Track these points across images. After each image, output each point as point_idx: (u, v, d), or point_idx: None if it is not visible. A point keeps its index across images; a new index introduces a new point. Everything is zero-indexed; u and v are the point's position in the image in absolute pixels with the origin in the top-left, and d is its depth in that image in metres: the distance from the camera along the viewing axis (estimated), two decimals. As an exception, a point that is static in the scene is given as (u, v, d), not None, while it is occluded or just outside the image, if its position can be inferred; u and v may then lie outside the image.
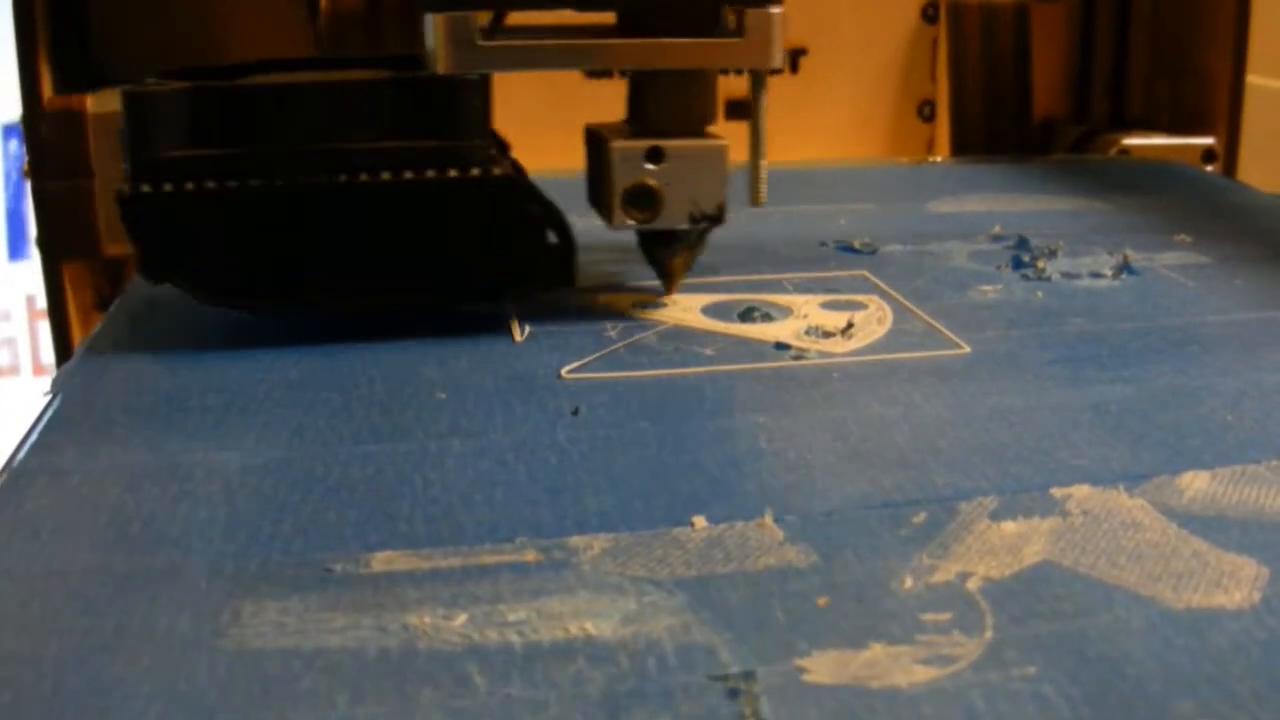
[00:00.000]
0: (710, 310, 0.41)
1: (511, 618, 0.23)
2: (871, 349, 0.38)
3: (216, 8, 0.79)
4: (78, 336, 0.76)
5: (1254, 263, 0.48)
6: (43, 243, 0.76)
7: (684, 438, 0.31)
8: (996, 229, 0.52)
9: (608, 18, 0.39)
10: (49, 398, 0.34)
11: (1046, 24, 0.84)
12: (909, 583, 0.24)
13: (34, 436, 0.31)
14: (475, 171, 0.38)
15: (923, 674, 0.21)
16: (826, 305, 0.42)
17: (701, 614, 0.23)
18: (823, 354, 0.37)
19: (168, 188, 0.36)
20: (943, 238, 0.51)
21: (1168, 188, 0.63)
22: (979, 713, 0.20)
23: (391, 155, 0.37)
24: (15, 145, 1.54)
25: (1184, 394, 0.34)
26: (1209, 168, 0.79)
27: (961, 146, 0.82)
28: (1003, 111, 0.83)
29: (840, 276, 0.45)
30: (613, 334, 0.39)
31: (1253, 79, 0.83)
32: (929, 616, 0.23)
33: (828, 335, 0.39)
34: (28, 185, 0.76)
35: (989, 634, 0.22)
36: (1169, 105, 0.84)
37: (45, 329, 0.89)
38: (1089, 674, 0.21)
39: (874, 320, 0.40)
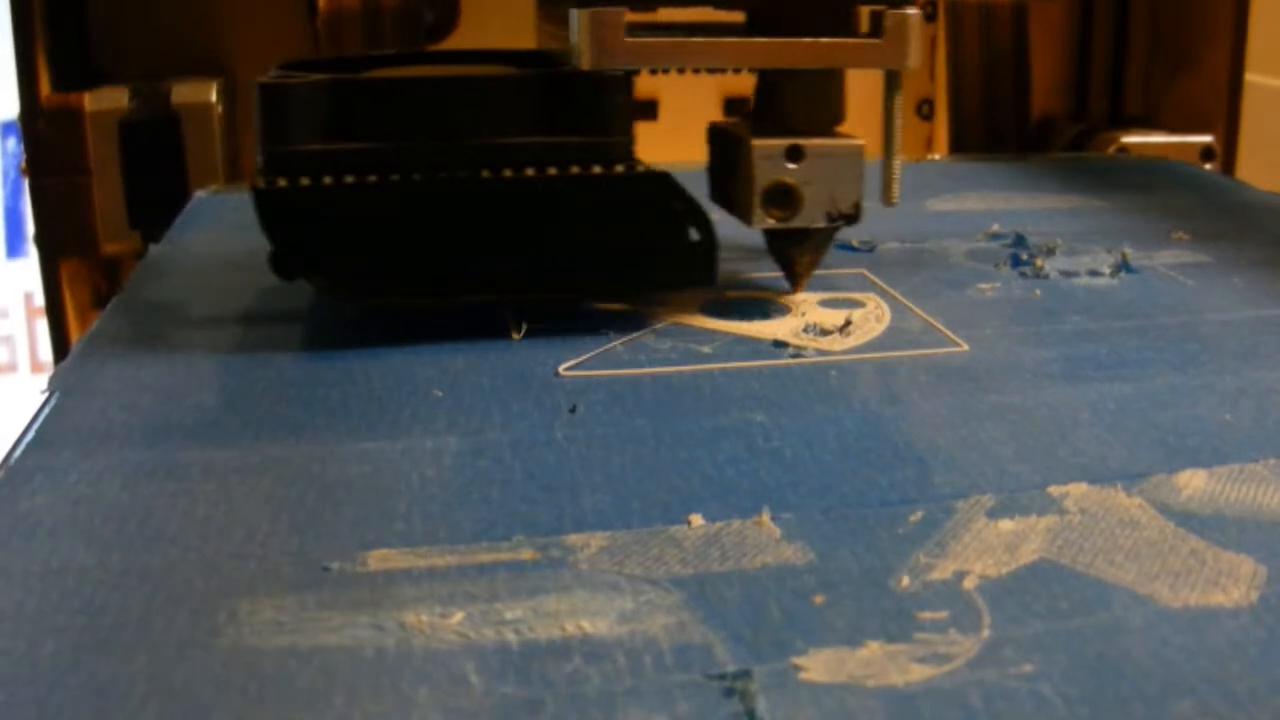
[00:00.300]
0: (708, 308, 0.41)
1: (508, 616, 0.23)
2: (869, 347, 0.38)
3: (214, 5, 0.79)
4: (75, 334, 0.76)
5: (1253, 261, 0.48)
6: (40, 240, 0.76)
7: (681, 435, 0.31)
8: (995, 227, 0.52)
9: (736, 16, 0.40)
10: (46, 395, 0.34)
11: (1045, 22, 0.84)
12: (906, 581, 0.24)
13: (30, 434, 0.31)
14: (620, 168, 0.37)
15: (919, 672, 0.21)
16: (824, 303, 0.42)
17: (698, 612, 0.23)
18: (820, 352, 0.37)
19: (304, 182, 0.36)
20: (941, 236, 0.51)
21: (1166, 186, 0.63)
22: (976, 711, 0.20)
23: (535, 151, 0.37)
24: (13, 143, 1.54)
25: (1182, 392, 0.34)
26: (1207, 166, 0.79)
27: (960, 145, 0.82)
28: (1001, 110, 0.83)
29: (838, 274, 0.45)
30: (610, 331, 0.39)
31: (1251, 77, 0.83)
32: (926, 615, 0.23)
33: (825, 333, 0.39)
34: (25, 183, 0.76)
35: (986, 632, 0.22)
36: (1167, 103, 0.84)
37: (43, 327, 0.89)
38: (1086, 673, 0.21)
39: (872, 318, 0.40)
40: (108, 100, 0.74)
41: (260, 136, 0.36)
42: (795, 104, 0.40)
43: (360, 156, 0.36)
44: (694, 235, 0.38)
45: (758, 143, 0.39)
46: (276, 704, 0.20)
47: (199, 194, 0.60)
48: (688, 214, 0.38)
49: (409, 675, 0.21)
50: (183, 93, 0.75)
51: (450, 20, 0.80)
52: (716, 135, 0.42)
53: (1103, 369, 0.36)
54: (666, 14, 0.39)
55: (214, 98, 0.75)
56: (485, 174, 0.37)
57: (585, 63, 0.37)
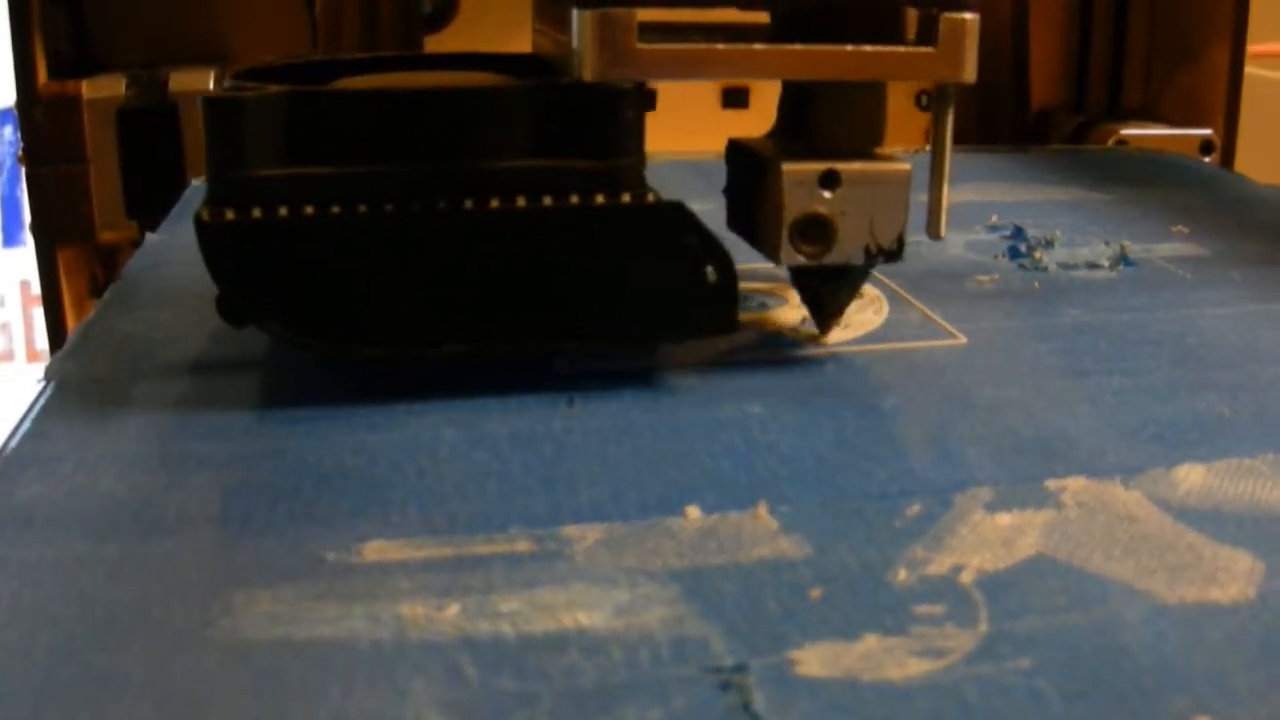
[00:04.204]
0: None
1: (504, 608, 0.23)
2: (867, 339, 0.38)
3: (212, -6, 0.79)
4: (72, 322, 0.76)
5: (1252, 255, 0.48)
6: (37, 228, 0.76)
7: (678, 427, 0.31)
8: (993, 219, 0.52)
9: (761, 17, 0.35)
10: (42, 384, 0.34)
11: (1044, 13, 0.84)
12: (903, 575, 0.24)
13: (26, 424, 0.31)
14: (627, 197, 0.32)
15: (916, 666, 0.21)
16: (823, 295, 0.42)
17: (695, 605, 0.23)
18: (818, 343, 0.37)
19: (256, 214, 0.30)
20: (939, 228, 0.51)
21: (1165, 179, 0.63)
22: (972, 705, 0.20)
23: (529, 176, 0.31)
24: (10, 130, 1.54)
25: (1180, 386, 0.34)
26: (1206, 159, 0.79)
27: (958, 136, 0.82)
28: (1000, 101, 0.83)
29: (837, 266, 0.45)
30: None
31: (1251, 70, 0.83)
32: (923, 609, 0.23)
33: (824, 325, 0.38)
34: (23, 171, 0.76)
35: (983, 627, 0.22)
36: (1167, 96, 0.84)
37: (40, 315, 0.89)
38: (1083, 667, 0.21)
39: (870, 310, 0.40)
40: (105, 88, 0.74)
41: (207, 160, 0.31)
42: (830, 121, 0.34)
43: (324, 183, 0.31)
44: (711, 275, 0.33)
45: (788, 167, 0.33)
46: (271, 696, 0.20)
47: (196, 182, 0.60)
48: (704, 250, 0.33)
49: (404, 667, 0.21)
50: (181, 81, 0.74)
51: (449, 11, 0.79)
52: (736, 153, 0.37)
53: (1101, 362, 0.36)
54: (685, 15, 0.34)
55: (212, 86, 0.75)
56: (468, 204, 0.31)
57: (589, 73, 0.31)
